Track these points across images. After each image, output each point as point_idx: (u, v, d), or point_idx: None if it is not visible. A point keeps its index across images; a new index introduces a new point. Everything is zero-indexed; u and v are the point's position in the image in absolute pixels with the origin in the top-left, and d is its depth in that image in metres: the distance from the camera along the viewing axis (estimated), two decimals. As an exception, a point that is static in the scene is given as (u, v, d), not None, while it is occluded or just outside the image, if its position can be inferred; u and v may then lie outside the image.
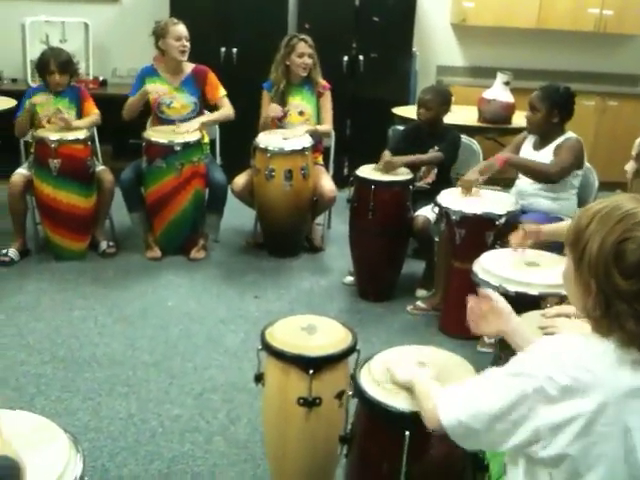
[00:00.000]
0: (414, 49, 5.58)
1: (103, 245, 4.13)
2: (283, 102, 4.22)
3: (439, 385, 1.47)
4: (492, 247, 3.01)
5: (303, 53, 4.12)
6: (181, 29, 4.07)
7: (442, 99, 3.76)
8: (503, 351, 2.01)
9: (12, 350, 3.07)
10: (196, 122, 4.08)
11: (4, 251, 3.95)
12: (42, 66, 3.98)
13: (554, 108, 3.32)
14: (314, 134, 4.15)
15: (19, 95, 4.20)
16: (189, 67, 4.20)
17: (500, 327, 1.62)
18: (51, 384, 2.82)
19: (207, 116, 4.20)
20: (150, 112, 4.23)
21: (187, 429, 2.57)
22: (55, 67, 3.93)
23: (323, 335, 2.05)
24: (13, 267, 3.90)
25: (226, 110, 4.20)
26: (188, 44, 4.07)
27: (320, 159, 4.37)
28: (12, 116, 4.08)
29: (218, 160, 4.44)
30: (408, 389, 1.60)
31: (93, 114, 4.11)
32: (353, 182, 3.67)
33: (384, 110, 4.99)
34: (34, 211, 4.08)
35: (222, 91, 4.22)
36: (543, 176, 3.32)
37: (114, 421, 2.60)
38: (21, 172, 4.00)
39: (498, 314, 1.63)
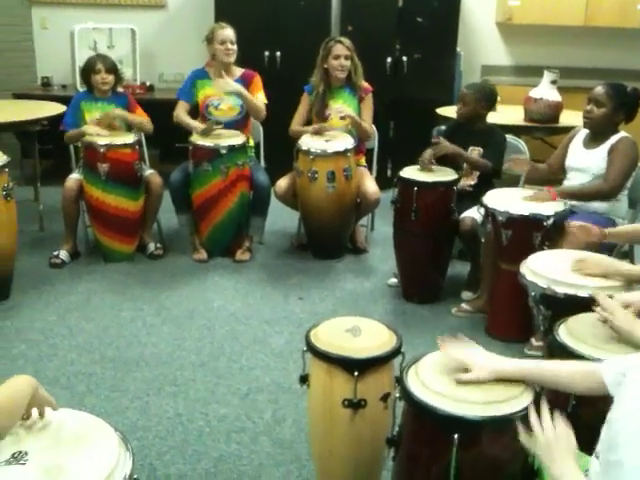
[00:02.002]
0: (458, 49, 5.54)
1: (151, 247, 4.20)
2: (324, 105, 4.22)
3: None
4: (540, 248, 2.97)
5: (339, 55, 4.11)
6: (226, 33, 4.12)
7: (480, 95, 3.69)
8: (552, 356, 1.97)
9: (63, 350, 3.14)
10: (239, 86, 4.08)
11: (55, 253, 4.05)
12: (89, 67, 4.06)
13: (620, 108, 3.22)
14: (355, 127, 4.12)
15: (68, 101, 4.30)
16: (239, 71, 4.25)
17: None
18: (100, 383, 2.88)
19: (248, 94, 4.14)
20: (197, 115, 4.28)
21: (233, 429, 2.60)
22: (102, 65, 4.02)
23: (368, 337, 2.04)
24: (64, 269, 4.00)
25: (260, 104, 4.19)
26: (233, 47, 4.12)
27: (363, 161, 4.37)
28: (62, 121, 4.18)
29: (262, 163, 4.47)
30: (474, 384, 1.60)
31: (144, 118, 4.20)
32: (397, 183, 3.65)
33: (428, 111, 4.95)
34: (84, 214, 4.17)
35: (261, 96, 4.22)
36: (600, 197, 3.24)
37: (162, 420, 2.64)
38: (75, 177, 4.09)
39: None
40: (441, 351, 1.73)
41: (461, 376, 1.64)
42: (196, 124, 4.13)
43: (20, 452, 1.38)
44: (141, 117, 4.19)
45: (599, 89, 3.27)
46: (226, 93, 4.17)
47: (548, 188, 3.26)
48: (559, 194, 3.24)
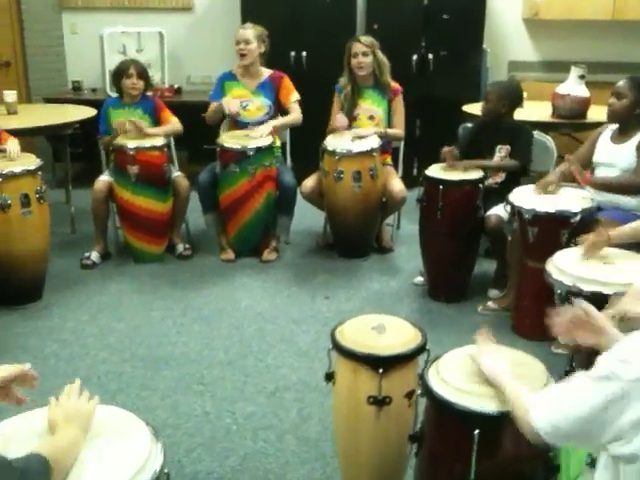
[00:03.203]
0: (484, 46, 5.50)
1: (180, 248, 4.26)
2: (353, 105, 4.24)
3: (525, 388, 1.48)
4: (567, 246, 2.94)
5: (357, 53, 4.13)
6: (241, 33, 4.15)
7: (504, 92, 3.67)
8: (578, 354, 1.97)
9: (94, 349, 3.21)
10: (269, 125, 4.15)
11: (87, 254, 4.13)
12: (121, 71, 4.12)
13: None
14: (383, 137, 4.15)
15: (99, 104, 4.38)
16: (267, 72, 4.29)
17: (600, 342, 1.59)
18: (131, 382, 2.94)
19: (278, 120, 4.27)
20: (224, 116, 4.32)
21: (260, 427, 2.63)
22: (134, 70, 4.08)
23: (393, 334, 2.05)
24: (95, 270, 4.08)
25: (295, 115, 4.26)
26: (249, 46, 4.13)
27: (389, 160, 4.37)
28: (93, 125, 4.26)
29: (288, 163, 4.51)
30: (487, 380, 1.60)
31: (171, 122, 4.23)
32: (422, 182, 3.66)
33: (454, 108, 4.93)
34: (114, 216, 4.25)
35: (295, 96, 4.27)
36: (633, 189, 3.20)
37: (190, 418, 2.69)
38: (104, 179, 4.16)
39: (598, 330, 1.61)
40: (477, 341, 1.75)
41: (482, 366, 1.67)
42: (221, 101, 4.15)
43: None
44: (170, 126, 4.20)
45: (620, 82, 3.26)
46: (253, 93, 4.22)
47: (587, 174, 3.23)
48: (593, 183, 3.21)
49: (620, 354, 1.24)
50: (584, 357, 2.02)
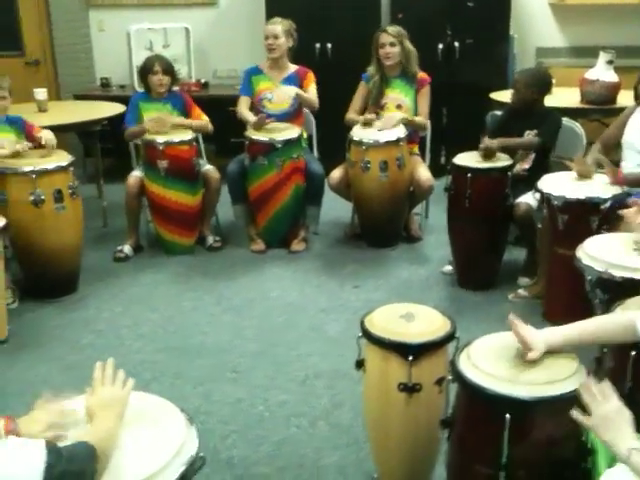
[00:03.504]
0: (511, 32, 5.46)
1: (210, 240, 4.32)
2: (380, 94, 4.25)
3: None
4: (597, 232, 2.92)
5: (384, 43, 4.14)
6: (269, 28, 4.20)
7: (531, 80, 3.66)
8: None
9: (129, 340, 3.28)
10: (292, 90, 4.17)
11: (119, 248, 4.20)
12: (147, 68, 4.18)
13: None
14: (409, 125, 4.16)
15: (127, 101, 4.44)
16: (293, 68, 4.33)
17: None
18: (165, 371, 3.00)
19: (302, 93, 4.24)
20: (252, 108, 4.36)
21: (292, 414, 2.68)
22: (159, 67, 4.14)
23: (421, 322, 2.07)
24: (128, 262, 4.15)
25: (313, 96, 4.27)
26: (276, 41, 4.18)
27: (416, 149, 4.37)
28: (122, 121, 4.32)
29: (315, 154, 4.53)
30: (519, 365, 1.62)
31: (202, 120, 4.26)
32: (450, 170, 3.65)
33: (481, 96, 4.91)
34: (145, 209, 4.32)
35: (314, 86, 4.29)
36: None
37: (224, 406, 2.74)
38: (136, 174, 4.22)
39: None
40: (512, 326, 1.75)
41: (530, 355, 1.68)
42: (250, 117, 4.22)
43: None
44: (199, 121, 4.24)
45: None
46: (278, 86, 4.25)
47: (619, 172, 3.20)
48: (626, 180, 3.17)
49: None
50: (616, 348, 2.02)
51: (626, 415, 1.43)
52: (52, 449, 1.25)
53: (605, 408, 1.43)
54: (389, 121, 4.10)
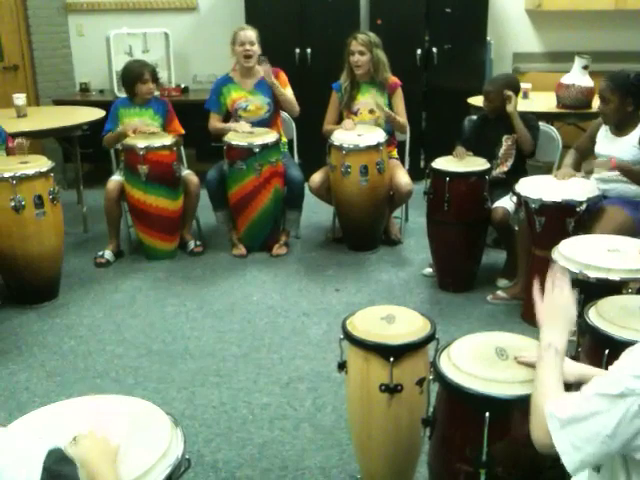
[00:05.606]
0: (488, 38, 5.54)
1: (191, 244, 4.33)
2: (352, 99, 4.26)
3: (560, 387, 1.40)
4: (574, 234, 2.99)
5: (354, 51, 4.15)
6: (245, 35, 4.16)
7: (504, 88, 3.71)
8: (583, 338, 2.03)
9: (111, 345, 3.28)
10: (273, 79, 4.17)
11: (100, 253, 4.20)
12: (135, 76, 4.15)
13: (627, 97, 3.20)
14: (391, 121, 4.17)
15: (107, 106, 4.43)
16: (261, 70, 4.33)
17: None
18: (148, 376, 3.00)
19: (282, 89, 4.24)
20: (229, 119, 4.37)
21: (276, 416, 2.69)
22: (149, 76, 4.14)
23: (402, 324, 2.10)
24: (109, 268, 4.14)
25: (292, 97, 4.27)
26: (252, 48, 4.16)
27: (395, 153, 4.41)
28: (101, 126, 4.31)
29: (296, 159, 4.56)
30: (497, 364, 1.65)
31: (177, 134, 4.25)
32: (429, 174, 3.70)
33: (460, 101, 4.98)
34: (126, 214, 4.31)
35: (290, 89, 4.29)
36: None
37: (207, 409, 2.75)
38: (115, 179, 4.22)
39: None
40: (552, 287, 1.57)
41: (524, 356, 1.69)
42: (231, 125, 4.23)
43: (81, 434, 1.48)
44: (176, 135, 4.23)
45: (602, 84, 3.26)
46: (251, 93, 4.25)
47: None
48: (619, 167, 3.21)
49: (633, 369, 1.20)
50: (586, 343, 2.07)
51: (570, 313, 1.46)
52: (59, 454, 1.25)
53: (553, 298, 1.47)
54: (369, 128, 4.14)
